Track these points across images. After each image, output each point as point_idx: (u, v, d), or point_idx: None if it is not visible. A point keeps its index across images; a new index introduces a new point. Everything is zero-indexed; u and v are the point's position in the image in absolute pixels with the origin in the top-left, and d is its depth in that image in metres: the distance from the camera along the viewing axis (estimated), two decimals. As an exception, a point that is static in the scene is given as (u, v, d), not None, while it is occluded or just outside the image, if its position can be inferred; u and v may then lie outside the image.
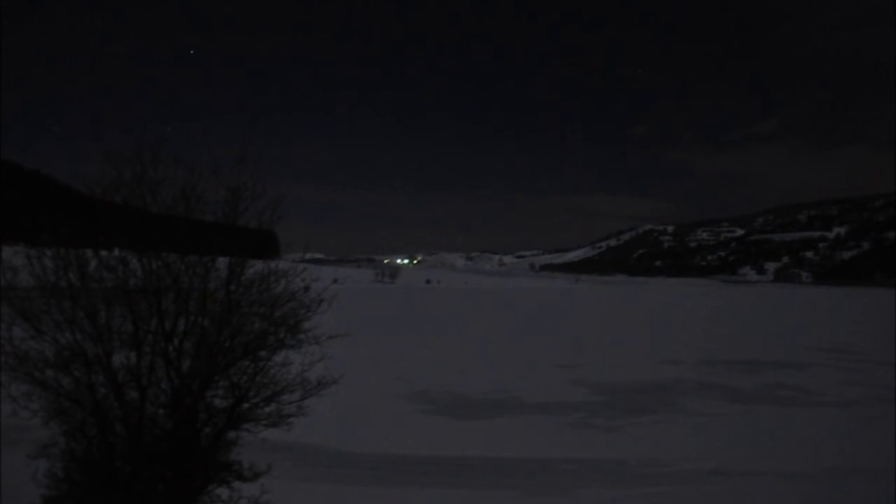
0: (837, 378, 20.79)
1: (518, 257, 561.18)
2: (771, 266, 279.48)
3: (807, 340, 32.89)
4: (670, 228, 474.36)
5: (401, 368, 21.28)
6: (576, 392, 17.81)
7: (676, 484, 9.94)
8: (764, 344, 31.03)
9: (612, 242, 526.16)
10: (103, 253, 5.25)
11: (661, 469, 10.75)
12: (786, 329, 40.84)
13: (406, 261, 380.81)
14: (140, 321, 5.08)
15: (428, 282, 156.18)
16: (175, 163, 5.40)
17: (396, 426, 13.40)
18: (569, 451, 11.74)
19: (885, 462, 11.08)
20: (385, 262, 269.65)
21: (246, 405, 5.44)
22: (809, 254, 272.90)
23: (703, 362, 24.18)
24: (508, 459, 11.10)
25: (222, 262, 5.43)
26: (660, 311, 59.18)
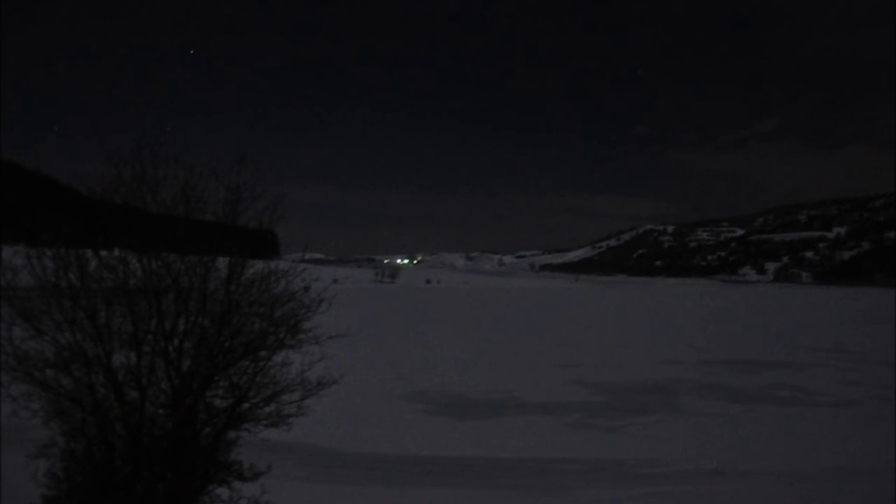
0: (837, 378, 20.79)
1: (518, 257, 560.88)
2: (771, 266, 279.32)
3: (807, 340, 32.88)
4: (670, 228, 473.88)
5: (401, 368, 21.28)
6: (575, 392, 17.81)
7: (676, 484, 9.94)
8: (764, 344, 31.03)
9: (612, 242, 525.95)
10: (103, 253, 5.25)
11: (661, 469, 10.75)
12: (786, 329, 40.83)
13: (406, 261, 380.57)
14: (140, 321, 5.08)
15: (428, 282, 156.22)
16: (175, 162, 5.40)
17: (396, 426, 13.40)
18: (569, 451, 11.74)
19: (885, 462, 11.08)
20: (385, 262, 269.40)
21: (246, 405, 5.45)
22: (809, 254, 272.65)
23: (703, 362, 24.18)
24: (508, 459, 11.10)
25: (222, 262, 5.44)
26: (660, 311, 59.18)
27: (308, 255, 7.02)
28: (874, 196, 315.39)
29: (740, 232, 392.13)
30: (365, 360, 22.18)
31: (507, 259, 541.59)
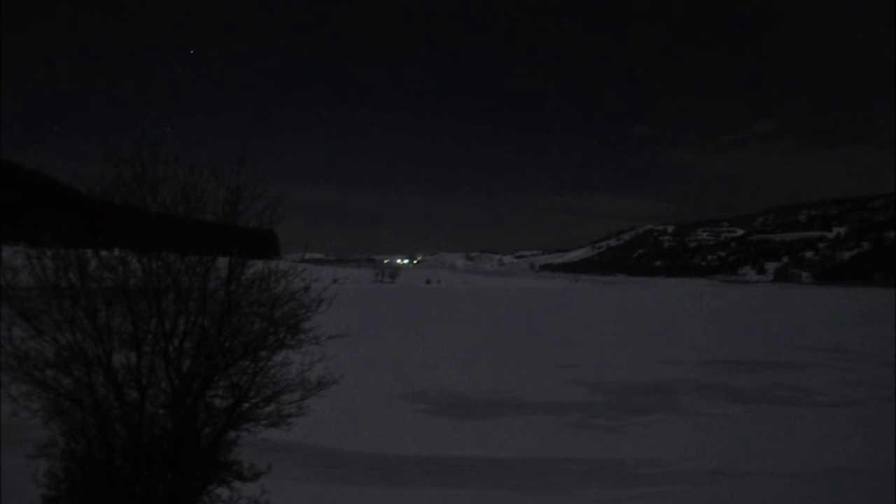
0: (837, 378, 20.79)
1: (518, 257, 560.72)
2: (771, 266, 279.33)
3: (807, 340, 32.88)
4: (670, 228, 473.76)
5: (400, 368, 21.28)
6: (575, 392, 17.81)
7: (676, 484, 9.94)
8: (764, 344, 31.03)
9: (612, 242, 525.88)
10: (103, 253, 5.25)
11: (661, 469, 10.75)
12: (786, 329, 40.83)
13: (406, 261, 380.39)
14: (140, 321, 5.08)
15: (428, 282, 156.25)
16: (175, 162, 5.41)
17: (396, 426, 13.40)
18: (569, 451, 11.74)
19: (885, 462, 11.08)
20: (385, 262, 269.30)
21: (246, 405, 5.45)
22: (809, 254, 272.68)
23: (703, 362, 24.18)
24: (508, 459, 11.10)
25: (222, 262, 5.44)
26: (660, 311, 59.18)
27: (308, 255, 7.02)
28: (874, 196, 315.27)
29: (740, 232, 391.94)
30: (365, 360, 22.18)
31: (507, 259, 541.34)
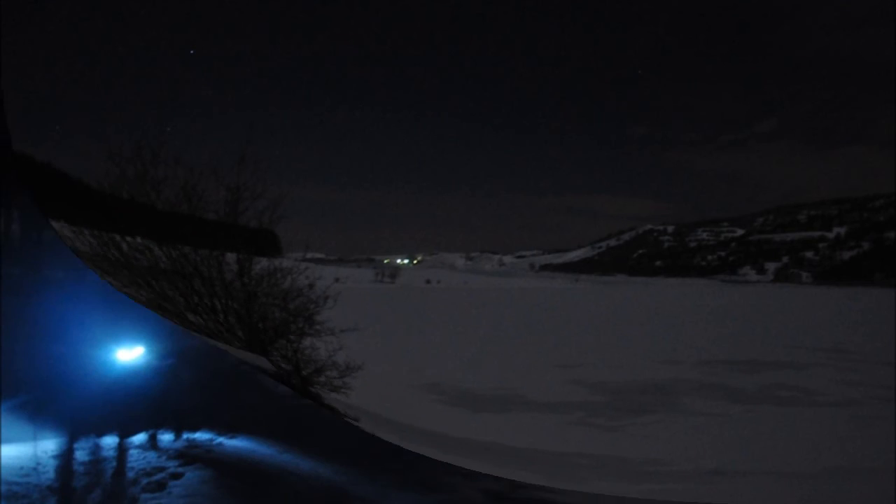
0: (837, 378, 20.80)
1: (518, 257, 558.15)
2: (771, 266, 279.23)
3: (807, 340, 32.88)
4: (670, 228, 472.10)
5: (400, 368, 21.31)
6: (575, 392, 17.84)
7: (676, 484, 9.96)
8: (764, 344, 31.03)
9: (612, 242, 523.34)
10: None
11: (662, 469, 10.78)
12: (786, 329, 40.80)
13: (406, 261, 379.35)
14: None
15: (427, 282, 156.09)
16: (175, 163, 5.48)
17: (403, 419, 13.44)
18: (569, 450, 11.77)
19: (885, 462, 11.10)
20: (385, 262, 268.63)
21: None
22: (809, 254, 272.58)
23: (703, 362, 24.20)
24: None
25: (231, 257, 5.54)
26: (660, 311, 59.16)
27: (309, 255, 7.11)
28: (874, 196, 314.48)
29: (740, 232, 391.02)
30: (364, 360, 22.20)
31: (507, 259, 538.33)
